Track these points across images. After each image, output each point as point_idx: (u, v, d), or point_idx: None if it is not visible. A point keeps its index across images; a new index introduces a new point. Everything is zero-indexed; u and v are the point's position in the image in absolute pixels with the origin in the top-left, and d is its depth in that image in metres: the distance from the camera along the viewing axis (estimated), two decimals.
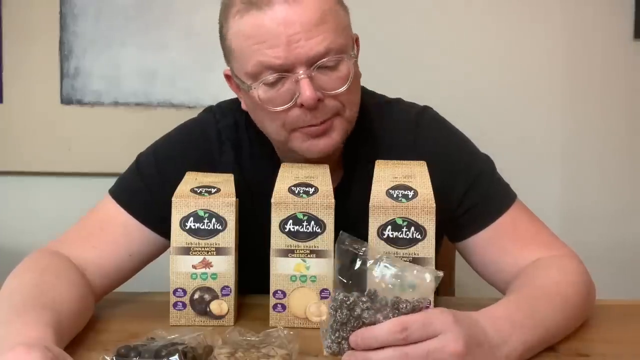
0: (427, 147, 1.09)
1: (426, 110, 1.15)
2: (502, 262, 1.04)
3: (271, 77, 0.97)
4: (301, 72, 0.96)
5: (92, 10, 1.85)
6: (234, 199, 0.98)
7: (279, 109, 0.99)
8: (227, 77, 1.09)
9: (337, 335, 0.76)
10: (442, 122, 1.15)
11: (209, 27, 1.86)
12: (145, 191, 1.08)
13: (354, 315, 0.76)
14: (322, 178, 1.01)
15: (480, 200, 1.07)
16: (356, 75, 1.04)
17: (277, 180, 1.00)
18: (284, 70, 0.96)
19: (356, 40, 1.08)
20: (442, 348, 0.73)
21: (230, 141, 1.12)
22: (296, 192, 0.97)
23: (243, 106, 1.09)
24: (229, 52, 1.03)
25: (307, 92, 0.95)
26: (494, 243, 1.05)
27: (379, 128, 1.11)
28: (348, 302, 0.76)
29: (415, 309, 0.76)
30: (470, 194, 1.07)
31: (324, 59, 0.96)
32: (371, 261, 0.81)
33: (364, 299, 0.77)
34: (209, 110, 1.17)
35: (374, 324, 0.75)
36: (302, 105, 0.97)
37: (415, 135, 1.10)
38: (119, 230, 1.06)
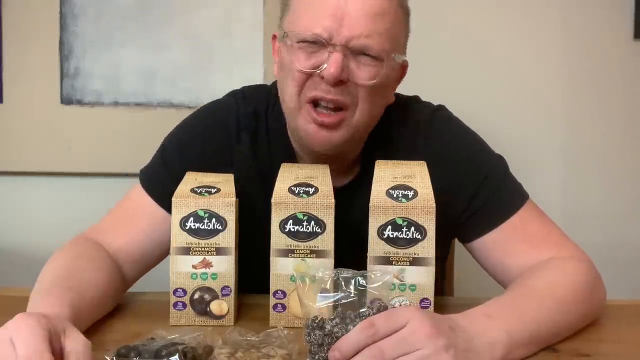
0: (438, 147, 1.09)
1: (440, 110, 1.15)
2: (510, 263, 1.04)
3: (312, 39, 0.99)
4: (338, 48, 0.97)
5: (92, 11, 1.85)
6: (234, 199, 0.98)
7: (303, 69, 1.00)
8: (274, 37, 1.10)
9: (317, 357, 0.77)
10: (455, 122, 1.15)
11: (209, 27, 1.88)
12: (168, 179, 1.10)
13: (326, 332, 0.77)
14: (322, 178, 1.01)
15: (489, 200, 1.07)
16: (385, 89, 1.05)
17: (277, 180, 1.00)
18: (325, 40, 0.98)
19: (403, 67, 1.09)
20: (413, 333, 0.74)
21: (248, 129, 1.13)
22: (296, 192, 0.97)
23: (274, 71, 1.10)
24: (287, 6, 1.05)
25: (332, 67, 0.97)
26: (503, 244, 1.05)
27: (394, 127, 1.12)
28: (317, 322, 0.77)
29: (380, 309, 0.78)
30: (480, 194, 1.07)
31: (362, 49, 0.98)
32: (328, 277, 0.83)
33: (331, 317, 0.78)
34: (233, 94, 1.19)
35: None
36: (323, 78, 0.98)
37: (426, 135, 1.11)
38: (146, 219, 1.10)
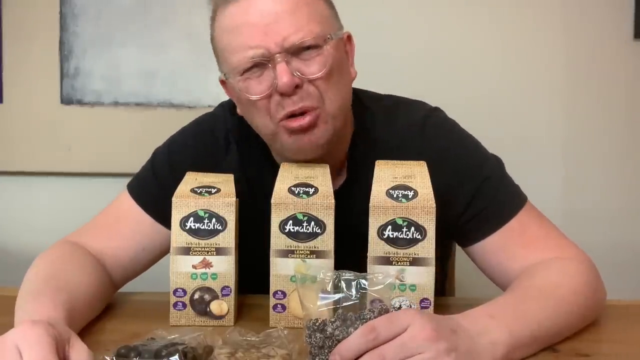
0: (433, 151, 1.08)
1: (434, 113, 1.14)
2: (510, 266, 1.03)
3: (250, 65, 0.99)
4: (278, 58, 0.97)
5: (92, 11, 1.85)
6: (234, 199, 0.98)
7: (259, 96, 1.00)
8: (222, 82, 1.10)
9: None
10: (450, 125, 1.13)
11: (209, 27, 1.87)
12: (157, 188, 1.10)
13: (327, 335, 0.76)
14: (322, 178, 1.01)
15: (487, 204, 1.06)
16: (340, 68, 1.04)
17: (277, 180, 1.00)
18: (262, 58, 0.98)
19: (348, 38, 1.08)
20: (414, 337, 0.74)
21: (236, 141, 1.14)
22: (296, 192, 0.97)
23: (239, 111, 1.10)
24: (217, 51, 1.06)
25: (284, 77, 0.97)
26: (502, 248, 1.04)
27: (385, 131, 1.11)
28: (317, 324, 0.77)
29: (381, 312, 0.78)
30: (478, 198, 1.06)
31: (299, 45, 0.98)
32: (329, 279, 0.83)
33: (332, 319, 0.78)
34: (222, 106, 1.19)
35: None
36: (282, 94, 0.98)
37: (421, 139, 1.09)
38: (133, 225, 1.10)
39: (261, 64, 0.99)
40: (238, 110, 1.10)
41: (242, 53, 0.99)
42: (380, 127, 1.11)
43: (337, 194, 1.06)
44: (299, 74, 0.98)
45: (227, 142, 1.14)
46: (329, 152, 1.06)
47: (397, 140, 1.10)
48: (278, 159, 1.11)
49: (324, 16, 1.02)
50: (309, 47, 0.99)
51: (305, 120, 1.00)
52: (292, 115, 1.00)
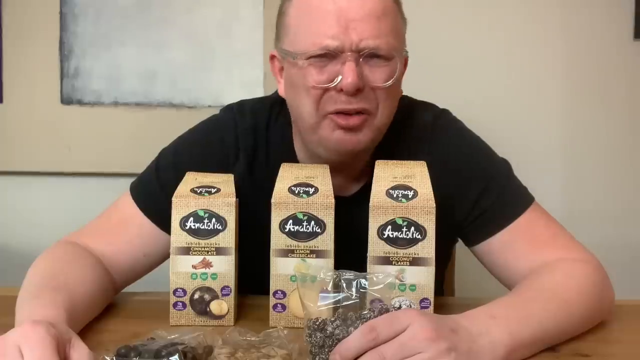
0: (443, 151, 1.09)
1: (443, 114, 1.15)
2: (516, 265, 1.03)
3: (321, 53, 0.98)
4: (349, 57, 0.97)
5: (92, 10, 1.85)
6: (234, 199, 0.98)
7: (318, 84, 0.99)
8: (272, 58, 1.09)
9: (317, 359, 0.77)
10: (459, 126, 1.15)
11: (209, 27, 1.88)
12: (161, 195, 1.08)
13: (327, 334, 0.77)
14: (322, 178, 1.01)
15: (494, 203, 1.06)
16: (398, 84, 1.05)
17: (277, 180, 1.00)
18: (335, 51, 0.98)
19: (405, 60, 1.08)
20: (414, 337, 0.74)
21: (246, 147, 1.12)
22: (296, 192, 0.97)
23: (280, 91, 1.09)
24: (285, 27, 1.04)
25: (349, 77, 0.97)
26: (508, 247, 1.04)
27: (401, 131, 1.11)
28: (317, 323, 0.77)
29: (381, 312, 0.78)
30: (485, 196, 1.07)
31: (373, 51, 0.98)
32: (329, 279, 0.83)
33: (332, 319, 0.78)
34: (230, 109, 1.17)
35: None
36: (341, 90, 0.98)
37: (431, 139, 1.11)
38: (134, 231, 1.09)
39: (330, 55, 0.98)
40: (282, 92, 1.09)
41: (317, 39, 0.98)
42: (402, 128, 1.11)
43: (356, 197, 1.06)
44: (363, 79, 0.98)
45: (236, 150, 1.12)
46: (357, 157, 1.07)
47: (412, 142, 1.11)
48: (302, 154, 1.11)
49: (401, 32, 1.04)
50: (379, 56, 0.99)
51: (354, 120, 1.00)
52: (343, 113, 1.00)
